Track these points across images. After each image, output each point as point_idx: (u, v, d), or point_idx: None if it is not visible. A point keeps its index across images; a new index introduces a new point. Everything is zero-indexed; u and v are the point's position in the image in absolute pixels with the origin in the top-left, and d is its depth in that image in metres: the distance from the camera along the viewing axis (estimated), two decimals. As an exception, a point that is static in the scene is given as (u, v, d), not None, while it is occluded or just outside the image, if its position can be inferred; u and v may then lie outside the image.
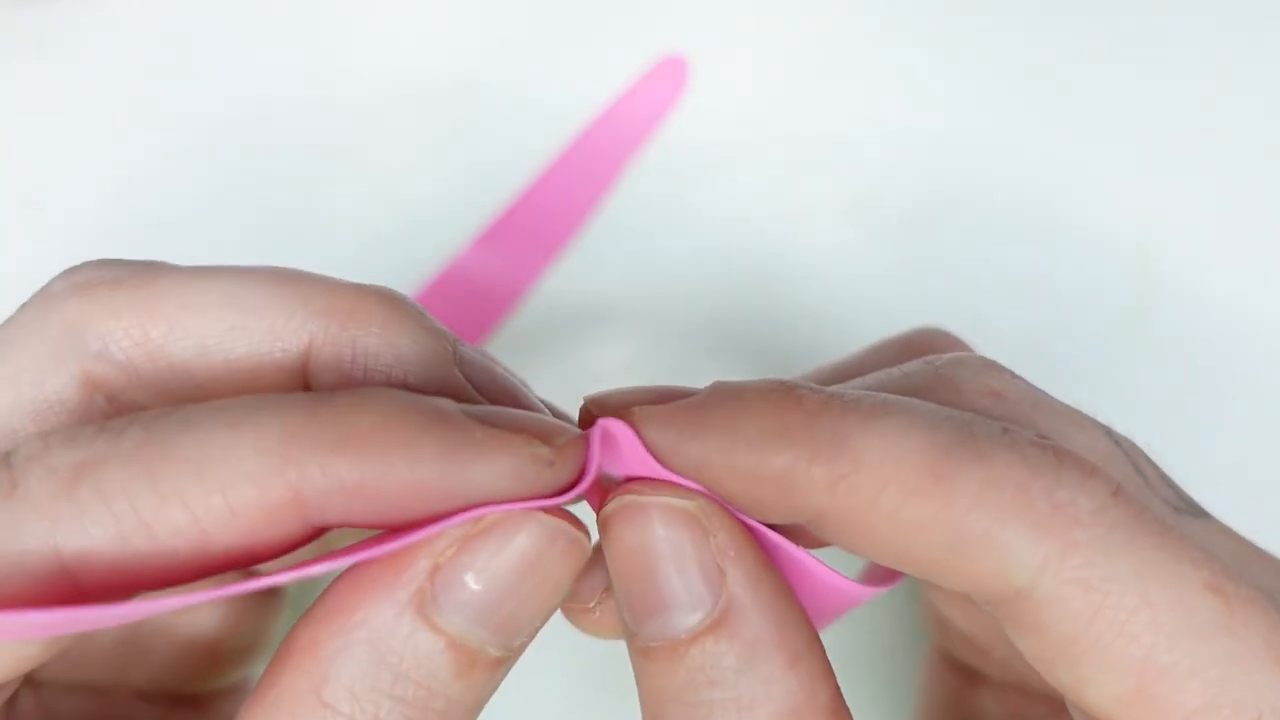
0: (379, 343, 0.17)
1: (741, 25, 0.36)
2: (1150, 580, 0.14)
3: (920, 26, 0.36)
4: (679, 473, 0.16)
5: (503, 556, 0.15)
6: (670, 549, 0.16)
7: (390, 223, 0.33)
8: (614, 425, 0.16)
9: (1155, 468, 0.19)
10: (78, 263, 0.18)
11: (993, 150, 0.34)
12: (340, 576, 0.15)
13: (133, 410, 0.17)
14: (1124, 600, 0.14)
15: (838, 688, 0.16)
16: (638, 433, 0.16)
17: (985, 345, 0.23)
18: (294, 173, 0.34)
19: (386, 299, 0.17)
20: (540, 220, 0.33)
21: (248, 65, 0.35)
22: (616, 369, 0.32)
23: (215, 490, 0.14)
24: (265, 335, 0.17)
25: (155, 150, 0.34)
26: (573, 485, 0.16)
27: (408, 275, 0.33)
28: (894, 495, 0.15)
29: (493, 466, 0.15)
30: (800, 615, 0.16)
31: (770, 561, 0.16)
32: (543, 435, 0.15)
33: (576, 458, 0.16)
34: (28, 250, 0.33)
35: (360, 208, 0.34)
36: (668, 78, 0.35)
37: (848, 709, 0.16)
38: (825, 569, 0.17)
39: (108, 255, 0.33)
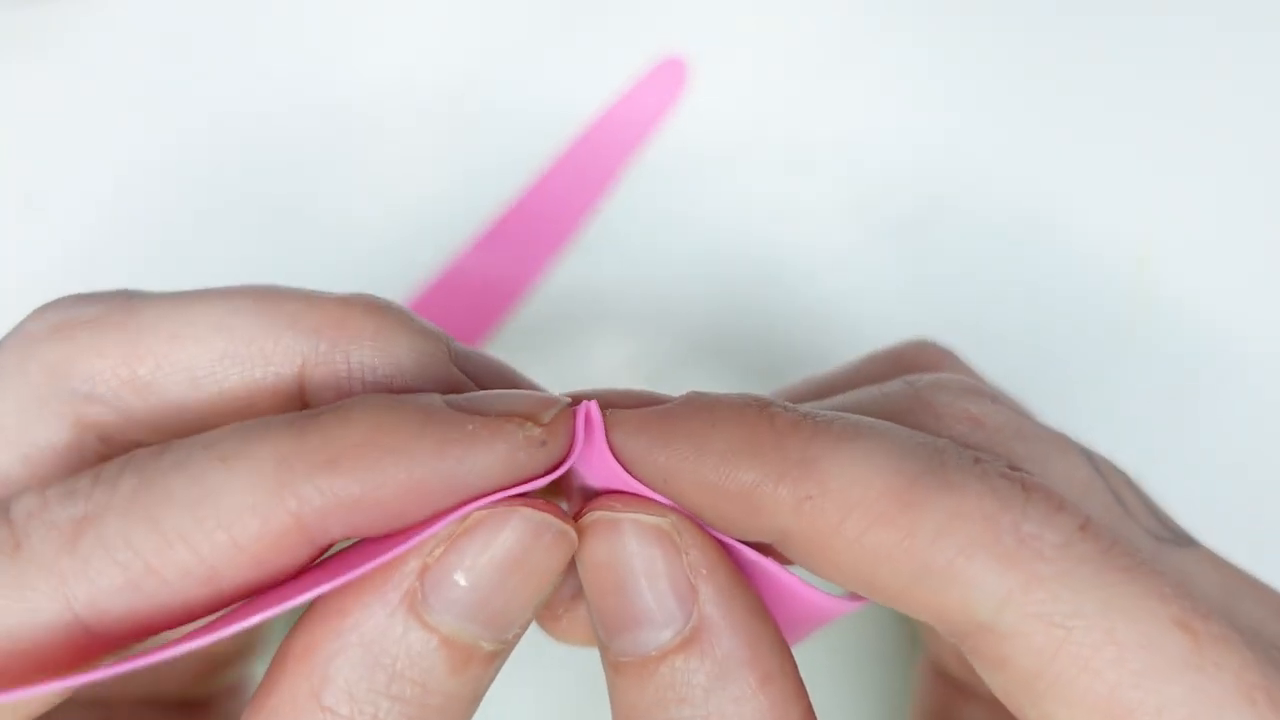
0: (373, 353, 0.17)
1: (741, 26, 0.36)
2: (1116, 616, 0.14)
3: (920, 26, 0.36)
4: (645, 480, 0.16)
5: (490, 553, 0.15)
6: (642, 565, 0.16)
7: (391, 224, 0.33)
8: (595, 412, 0.16)
9: (1138, 494, 0.19)
10: (52, 299, 0.18)
11: (992, 150, 0.34)
12: None
13: (128, 448, 0.17)
14: (1088, 636, 0.14)
15: (810, 707, 0.16)
16: (606, 434, 0.16)
17: (985, 345, 0.23)
18: (294, 174, 0.34)
19: (373, 307, 0.17)
20: (540, 221, 0.33)
21: (248, 66, 0.35)
22: (616, 369, 0.32)
23: (217, 527, 0.14)
24: (256, 361, 0.17)
25: (155, 151, 0.34)
26: (563, 461, 0.16)
27: (409, 277, 0.33)
28: (859, 521, 0.15)
29: (488, 456, 0.15)
30: (774, 634, 0.16)
31: (744, 579, 0.16)
32: (531, 413, 0.15)
33: (567, 429, 0.16)
34: (28, 250, 0.33)
35: (361, 208, 0.34)
36: (667, 79, 0.35)
37: None
38: (801, 583, 0.17)
39: (108, 256, 0.33)
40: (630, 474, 0.16)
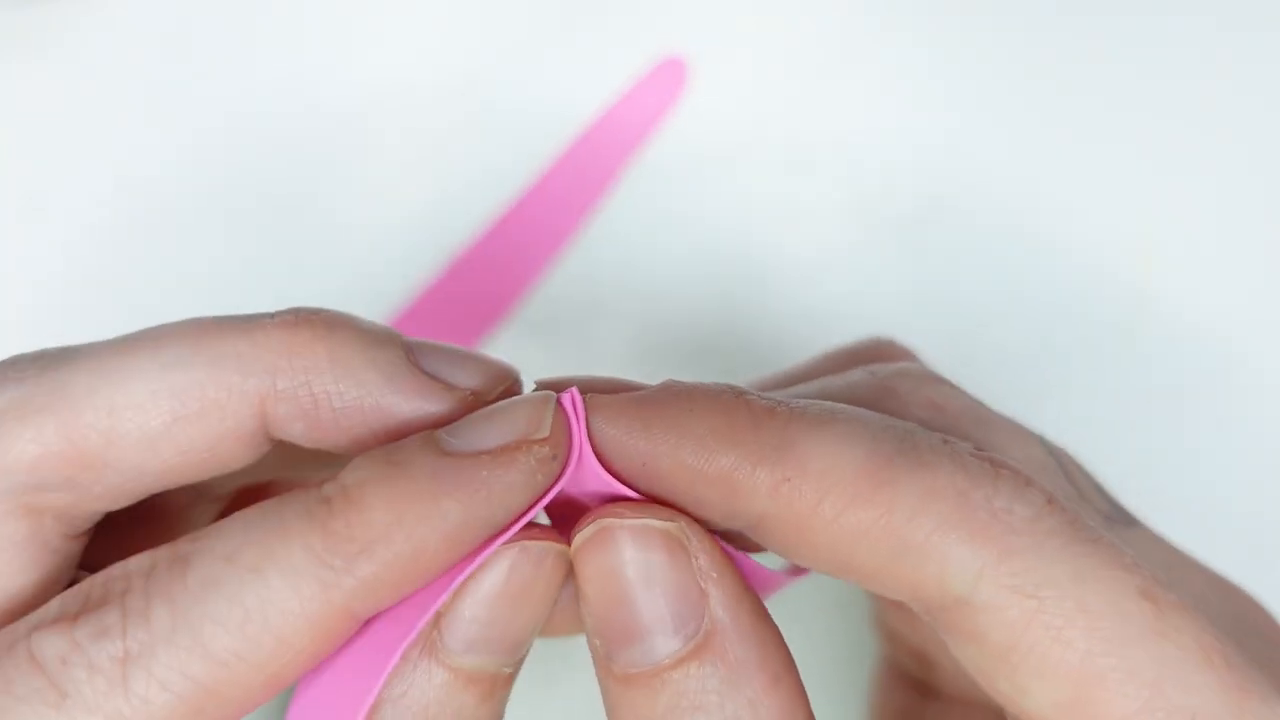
0: (334, 378, 0.16)
1: (741, 25, 0.36)
2: (1085, 586, 0.14)
3: (920, 26, 0.36)
4: (622, 467, 0.16)
5: (499, 590, 0.16)
6: (649, 573, 0.15)
7: (391, 224, 0.33)
8: (578, 402, 0.16)
9: (1088, 477, 0.19)
10: None
11: (992, 150, 0.34)
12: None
13: (90, 519, 0.17)
14: (1060, 606, 0.14)
15: (810, 706, 0.16)
16: (587, 419, 0.16)
17: (984, 345, 0.23)
18: (294, 173, 0.34)
19: (321, 328, 0.16)
20: (540, 221, 0.33)
21: (247, 66, 0.35)
22: (616, 369, 0.32)
23: (272, 640, 0.14)
24: (212, 415, 0.16)
25: (155, 150, 0.34)
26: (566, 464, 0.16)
27: (409, 276, 0.33)
28: (836, 501, 0.15)
29: (510, 491, 0.15)
30: (777, 634, 0.16)
31: (746, 580, 0.16)
32: (531, 431, 0.16)
33: (566, 429, 0.16)
34: (28, 251, 0.33)
35: (361, 208, 0.34)
36: (667, 79, 0.35)
37: None
38: (744, 557, 0.17)
39: (108, 256, 0.33)
40: (604, 462, 0.16)
